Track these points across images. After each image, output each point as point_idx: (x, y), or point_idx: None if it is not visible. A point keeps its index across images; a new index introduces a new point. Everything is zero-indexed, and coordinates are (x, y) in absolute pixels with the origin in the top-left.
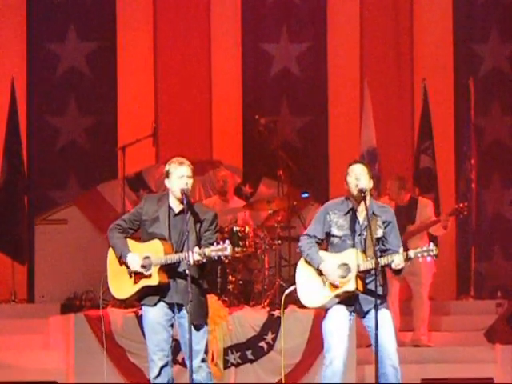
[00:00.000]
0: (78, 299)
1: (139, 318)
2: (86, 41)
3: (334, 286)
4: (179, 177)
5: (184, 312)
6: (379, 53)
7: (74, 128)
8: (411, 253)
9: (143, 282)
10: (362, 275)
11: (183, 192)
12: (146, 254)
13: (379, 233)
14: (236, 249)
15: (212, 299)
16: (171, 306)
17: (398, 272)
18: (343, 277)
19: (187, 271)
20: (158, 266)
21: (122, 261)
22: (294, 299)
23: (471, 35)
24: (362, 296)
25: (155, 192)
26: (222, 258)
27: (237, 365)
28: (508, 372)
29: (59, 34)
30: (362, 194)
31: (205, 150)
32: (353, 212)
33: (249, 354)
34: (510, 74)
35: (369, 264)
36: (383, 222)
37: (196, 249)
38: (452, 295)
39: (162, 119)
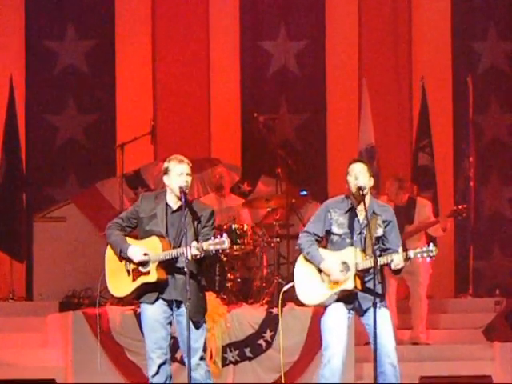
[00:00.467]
0: (77, 297)
1: (137, 316)
2: (85, 39)
3: (333, 284)
4: (178, 174)
5: (182, 309)
6: (377, 51)
7: (72, 126)
8: (411, 253)
9: (142, 279)
10: (361, 274)
11: (181, 190)
12: (144, 250)
13: (379, 232)
14: (234, 246)
15: (210, 297)
16: (170, 304)
17: (397, 272)
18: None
19: (185, 268)
20: (157, 263)
21: (121, 257)
22: (292, 297)
23: (470, 33)
24: (360, 294)
25: (154, 190)
26: (220, 251)
27: (235, 363)
28: (506, 370)
29: (58, 31)
30: (361, 192)
31: (203, 148)
32: (353, 211)
33: (247, 351)
34: (508, 71)
35: (368, 263)
36: (383, 221)
37: (194, 243)
38: (450, 293)
39: (160, 117)
